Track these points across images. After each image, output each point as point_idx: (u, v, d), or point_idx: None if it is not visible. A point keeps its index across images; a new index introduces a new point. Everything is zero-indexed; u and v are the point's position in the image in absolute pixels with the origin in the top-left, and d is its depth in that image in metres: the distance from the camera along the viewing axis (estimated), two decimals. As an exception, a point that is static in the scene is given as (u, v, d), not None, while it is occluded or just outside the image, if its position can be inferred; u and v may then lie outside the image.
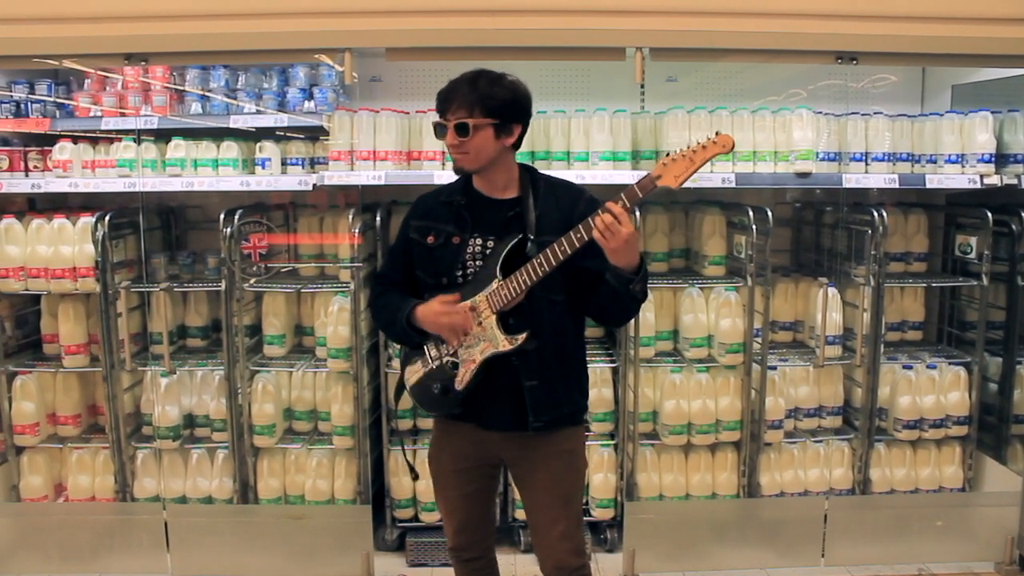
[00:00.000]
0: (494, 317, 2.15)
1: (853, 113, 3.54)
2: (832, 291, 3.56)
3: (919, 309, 3.89)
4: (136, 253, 3.65)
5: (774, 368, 3.60)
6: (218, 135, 3.57)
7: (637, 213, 3.49)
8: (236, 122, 3.56)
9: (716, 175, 3.38)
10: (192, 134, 3.58)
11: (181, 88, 3.66)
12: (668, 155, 2.03)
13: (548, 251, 2.06)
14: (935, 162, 3.54)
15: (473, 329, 2.17)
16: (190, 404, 3.70)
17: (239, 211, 3.45)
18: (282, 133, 3.67)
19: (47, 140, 3.66)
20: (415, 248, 2.30)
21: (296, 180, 3.49)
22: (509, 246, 2.15)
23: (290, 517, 3.53)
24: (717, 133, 2.01)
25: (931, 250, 3.85)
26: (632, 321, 3.38)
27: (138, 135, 3.53)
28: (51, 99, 3.76)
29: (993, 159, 3.42)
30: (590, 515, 3.62)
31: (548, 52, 3.26)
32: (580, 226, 2.02)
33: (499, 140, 2.15)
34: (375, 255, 3.58)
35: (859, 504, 3.63)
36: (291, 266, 3.70)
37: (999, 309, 3.71)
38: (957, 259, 3.78)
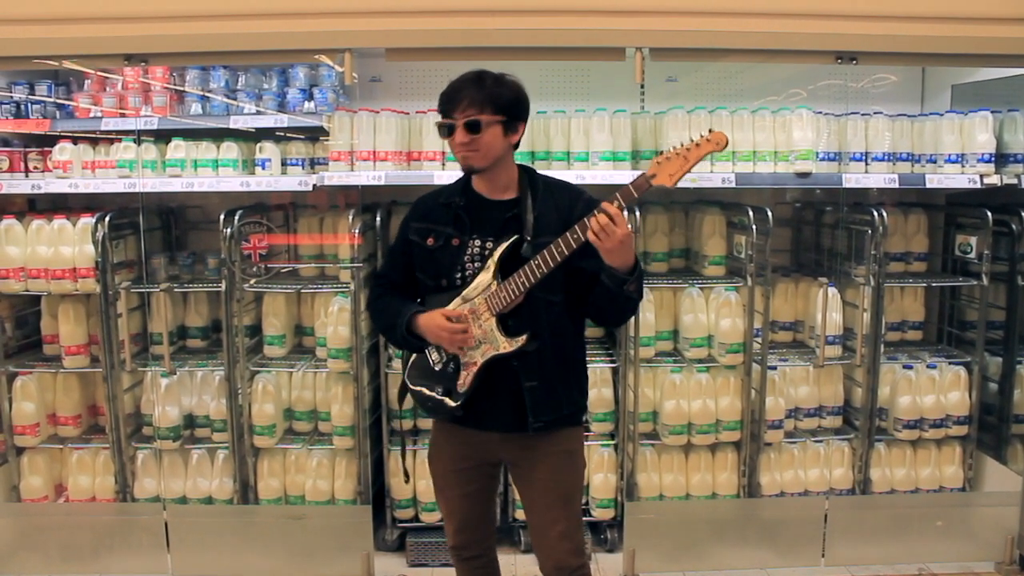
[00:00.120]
0: (494, 319, 2.16)
1: (853, 113, 3.54)
2: (832, 291, 3.56)
3: (919, 309, 3.89)
4: (136, 254, 3.65)
5: (774, 368, 3.60)
6: (218, 136, 3.57)
7: (637, 213, 3.49)
8: (236, 123, 3.56)
9: (716, 175, 3.37)
10: (192, 135, 3.58)
11: (181, 89, 3.66)
12: (662, 154, 2.03)
13: (545, 252, 2.06)
14: (935, 162, 3.54)
15: (474, 335, 2.18)
16: (190, 404, 3.70)
17: (239, 211, 3.46)
18: (282, 133, 3.67)
19: (47, 141, 3.66)
20: (415, 250, 2.30)
21: (296, 180, 3.49)
22: (503, 248, 2.16)
23: (290, 517, 3.53)
24: (711, 131, 2.01)
25: (931, 250, 3.85)
26: (632, 321, 3.39)
27: (138, 136, 3.53)
28: (51, 100, 3.75)
29: (993, 159, 3.42)
30: (590, 515, 3.62)
31: (548, 52, 3.25)
32: (576, 226, 2.03)
33: (507, 137, 2.17)
34: (375, 255, 3.58)
35: (859, 504, 3.63)
36: (291, 266, 3.71)
37: (999, 309, 3.71)
38: (957, 259, 3.78)
